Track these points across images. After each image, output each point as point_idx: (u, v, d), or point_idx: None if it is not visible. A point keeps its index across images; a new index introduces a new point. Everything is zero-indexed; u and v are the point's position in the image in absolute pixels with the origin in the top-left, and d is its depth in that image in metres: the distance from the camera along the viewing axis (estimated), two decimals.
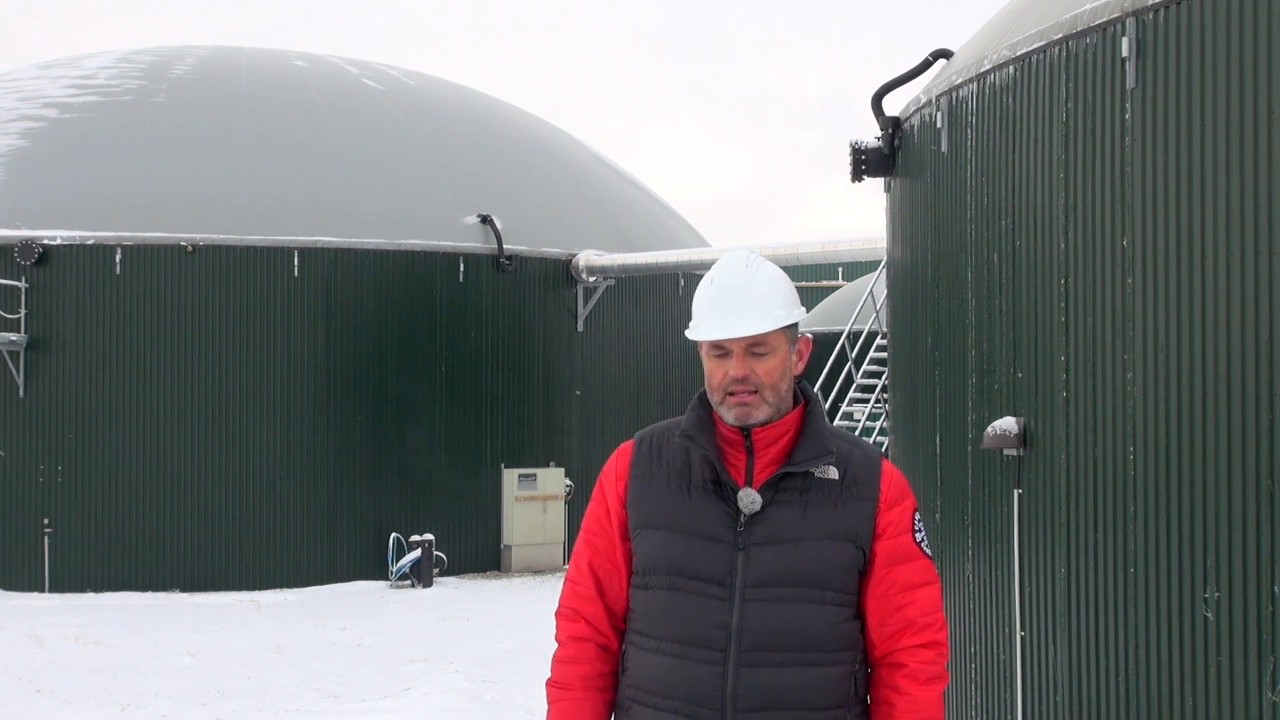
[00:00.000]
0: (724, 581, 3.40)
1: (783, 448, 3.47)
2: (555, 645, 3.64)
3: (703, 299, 3.50)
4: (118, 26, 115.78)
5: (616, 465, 3.60)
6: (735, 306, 3.43)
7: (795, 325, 3.49)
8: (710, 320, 3.45)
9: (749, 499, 3.42)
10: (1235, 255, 6.30)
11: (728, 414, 3.44)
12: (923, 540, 3.52)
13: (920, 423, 9.58)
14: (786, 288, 3.51)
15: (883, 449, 16.67)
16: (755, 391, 3.41)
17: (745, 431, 3.46)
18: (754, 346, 3.42)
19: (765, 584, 3.39)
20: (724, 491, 3.45)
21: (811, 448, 3.45)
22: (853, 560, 3.44)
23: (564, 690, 3.55)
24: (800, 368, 3.55)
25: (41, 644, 14.80)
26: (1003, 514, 8.13)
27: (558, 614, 3.63)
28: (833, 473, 3.45)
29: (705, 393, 3.53)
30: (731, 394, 3.42)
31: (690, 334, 3.51)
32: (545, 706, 3.62)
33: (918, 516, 3.54)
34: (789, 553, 3.40)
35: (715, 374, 3.46)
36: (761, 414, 3.43)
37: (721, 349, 3.44)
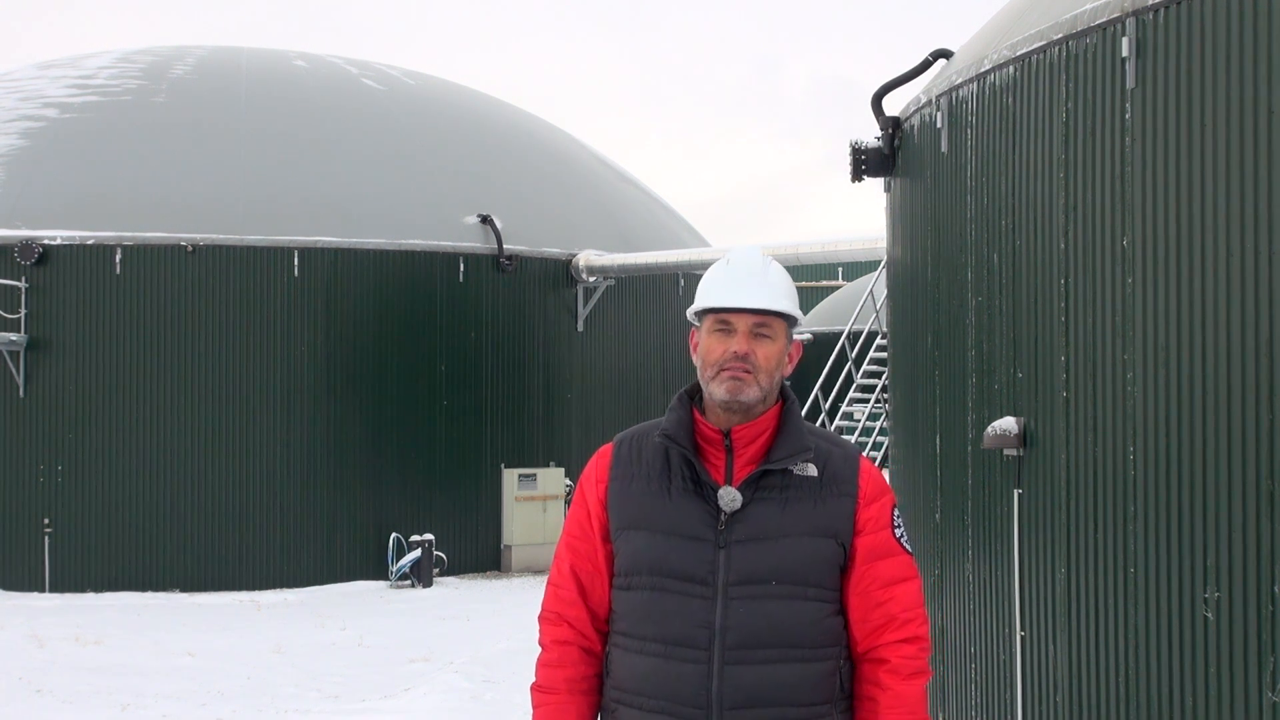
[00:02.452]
0: (706, 580, 3.42)
1: (761, 446, 3.50)
2: (539, 649, 3.64)
3: (716, 276, 3.55)
4: (118, 26, 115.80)
5: (596, 468, 3.62)
6: (751, 283, 3.49)
7: (795, 325, 3.55)
8: (725, 292, 3.49)
9: (729, 497, 3.44)
10: (1235, 255, 6.30)
11: (718, 390, 3.45)
12: (902, 536, 3.54)
13: (920, 423, 9.58)
14: (794, 288, 3.59)
15: (883, 449, 16.66)
16: (750, 371, 3.44)
17: (724, 431, 3.48)
18: (760, 327, 3.47)
19: (747, 581, 3.41)
20: (704, 491, 3.47)
21: (790, 445, 3.48)
22: (834, 556, 3.46)
23: (548, 694, 3.56)
24: (788, 371, 3.59)
25: (41, 644, 14.80)
26: (1003, 514, 8.13)
27: (540, 618, 3.64)
28: (811, 470, 3.48)
29: (684, 394, 3.57)
30: (726, 369, 3.44)
31: (703, 303, 3.51)
32: (530, 711, 3.62)
33: (897, 512, 3.57)
34: (770, 549, 3.42)
35: (715, 350, 3.47)
36: (752, 393, 3.45)
37: (727, 324, 3.48)
